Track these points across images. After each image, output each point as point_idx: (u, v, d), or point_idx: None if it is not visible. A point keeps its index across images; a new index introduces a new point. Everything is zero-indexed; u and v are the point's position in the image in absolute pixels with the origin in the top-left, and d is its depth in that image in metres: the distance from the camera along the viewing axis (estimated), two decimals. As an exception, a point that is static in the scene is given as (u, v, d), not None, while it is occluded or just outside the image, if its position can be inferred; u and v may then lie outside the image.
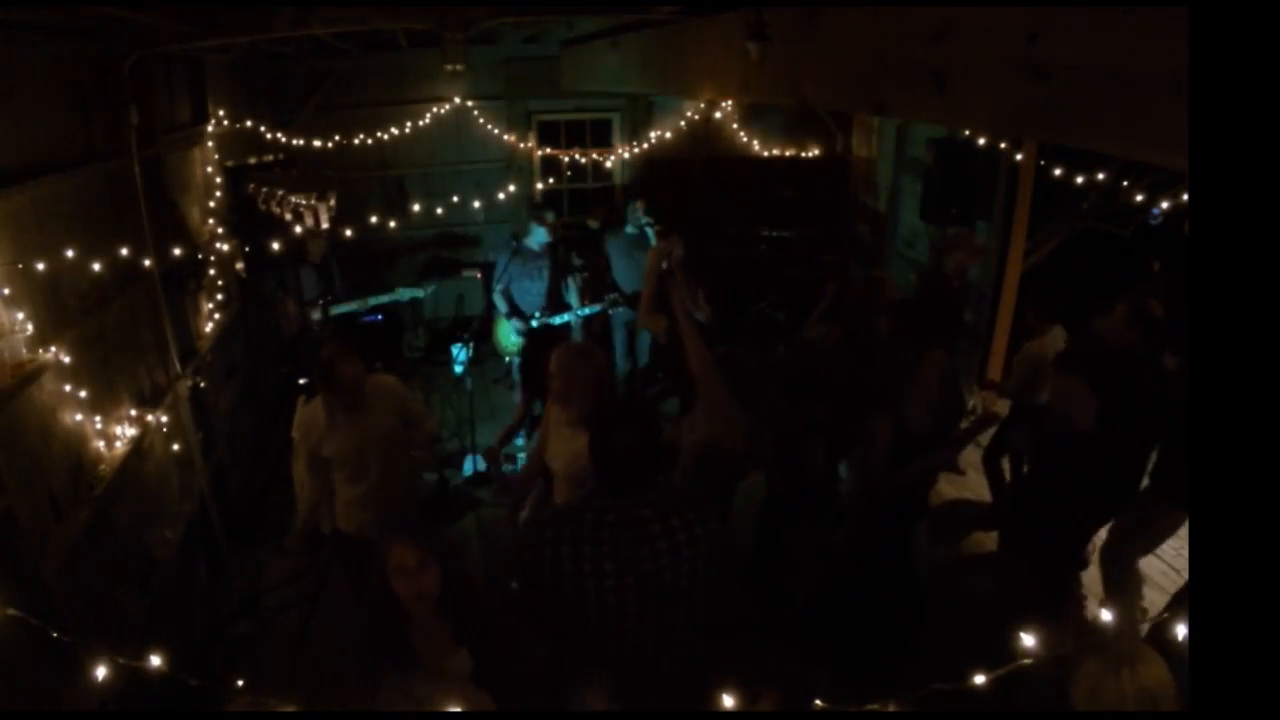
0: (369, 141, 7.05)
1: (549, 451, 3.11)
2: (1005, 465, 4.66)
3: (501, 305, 5.63)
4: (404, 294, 5.79)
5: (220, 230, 4.90)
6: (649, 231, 5.80)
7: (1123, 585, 3.62)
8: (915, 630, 2.93)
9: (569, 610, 2.11)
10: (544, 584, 2.11)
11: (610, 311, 5.84)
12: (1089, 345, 3.81)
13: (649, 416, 2.19)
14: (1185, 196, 5.17)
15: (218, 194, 5.13)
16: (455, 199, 5.60)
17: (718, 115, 8.11)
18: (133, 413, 3.37)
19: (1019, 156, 5.75)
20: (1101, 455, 2.87)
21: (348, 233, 5.10)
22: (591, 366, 2.98)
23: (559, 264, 5.73)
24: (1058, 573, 2.93)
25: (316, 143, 6.61)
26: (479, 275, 7.55)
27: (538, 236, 5.54)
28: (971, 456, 5.13)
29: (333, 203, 4.47)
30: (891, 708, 1.53)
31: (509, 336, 5.69)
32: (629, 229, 5.97)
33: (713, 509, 2.28)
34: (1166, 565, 4.14)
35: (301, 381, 4.81)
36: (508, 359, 6.01)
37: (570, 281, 5.75)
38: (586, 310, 5.58)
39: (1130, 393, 3.07)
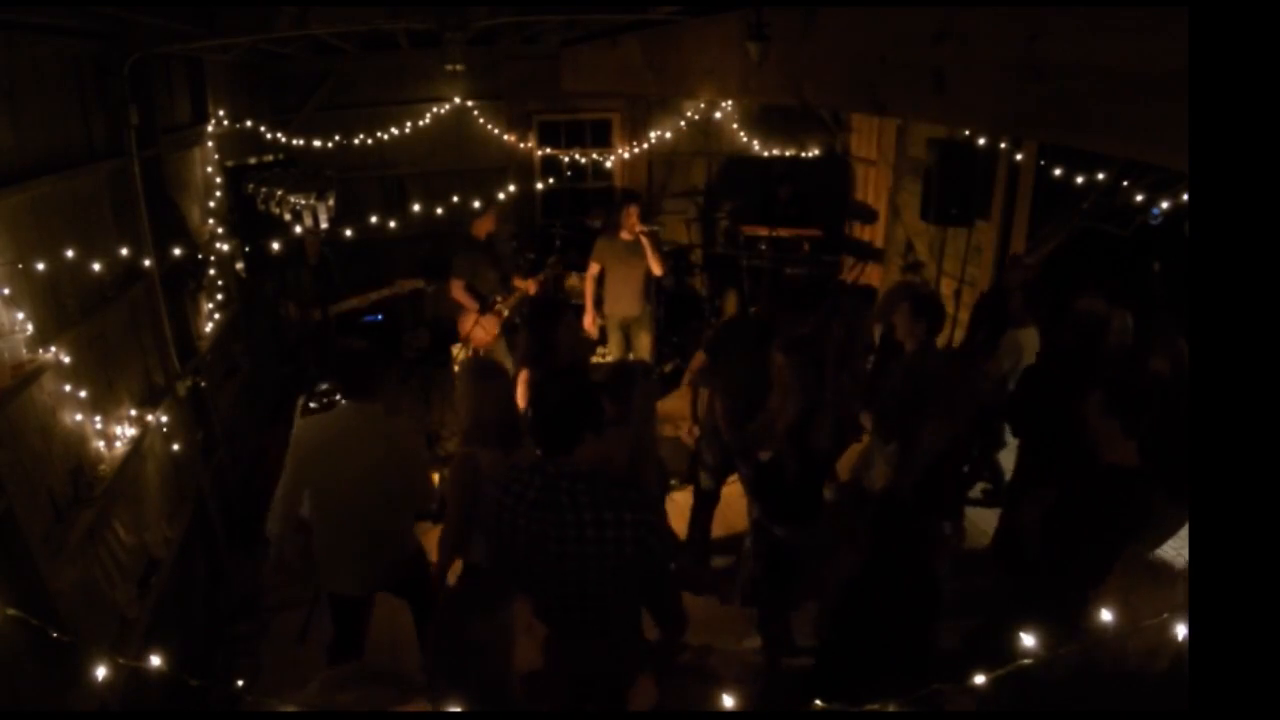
0: (369, 141, 7.04)
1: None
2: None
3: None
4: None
5: (220, 230, 4.90)
6: (645, 240, 5.80)
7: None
8: (933, 627, 2.89)
9: (514, 566, 2.27)
10: (491, 528, 2.29)
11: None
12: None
13: (582, 380, 2.33)
14: (1185, 196, 5.17)
15: (218, 194, 5.13)
16: (455, 199, 5.61)
17: (718, 115, 8.11)
18: (133, 413, 3.37)
19: (1019, 156, 5.75)
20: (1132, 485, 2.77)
21: (347, 233, 5.10)
22: (496, 387, 2.83)
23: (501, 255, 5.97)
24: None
25: (316, 143, 6.61)
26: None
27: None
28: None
29: (332, 203, 4.46)
30: (891, 708, 1.53)
31: None
32: (623, 235, 5.92)
33: (655, 507, 2.36)
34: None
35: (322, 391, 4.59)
36: None
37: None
38: None
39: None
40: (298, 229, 4.22)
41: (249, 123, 5.97)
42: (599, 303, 6.19)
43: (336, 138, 6.78)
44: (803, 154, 8.30)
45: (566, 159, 8.39)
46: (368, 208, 5.75)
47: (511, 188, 5.89)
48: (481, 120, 7.62)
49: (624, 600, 2.27)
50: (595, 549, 2.14)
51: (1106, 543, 2.70)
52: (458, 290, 5.67)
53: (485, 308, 5.58)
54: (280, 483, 3.04)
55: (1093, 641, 1.70)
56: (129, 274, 3.51)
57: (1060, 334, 3.87)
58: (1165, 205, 5.45)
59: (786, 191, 7.78)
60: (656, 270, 5.88)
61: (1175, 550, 4.10)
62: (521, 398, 3.60)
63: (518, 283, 5.93)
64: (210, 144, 5.20)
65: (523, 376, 3.76)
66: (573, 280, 6.96)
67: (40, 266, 2.68)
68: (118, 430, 3.19)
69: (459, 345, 5.75)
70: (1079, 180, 5.43)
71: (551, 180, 8.40)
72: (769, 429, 3.30)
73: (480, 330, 5.57)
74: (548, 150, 8.19)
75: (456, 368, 2.83)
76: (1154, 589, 1.89)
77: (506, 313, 5.73)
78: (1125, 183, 5.59)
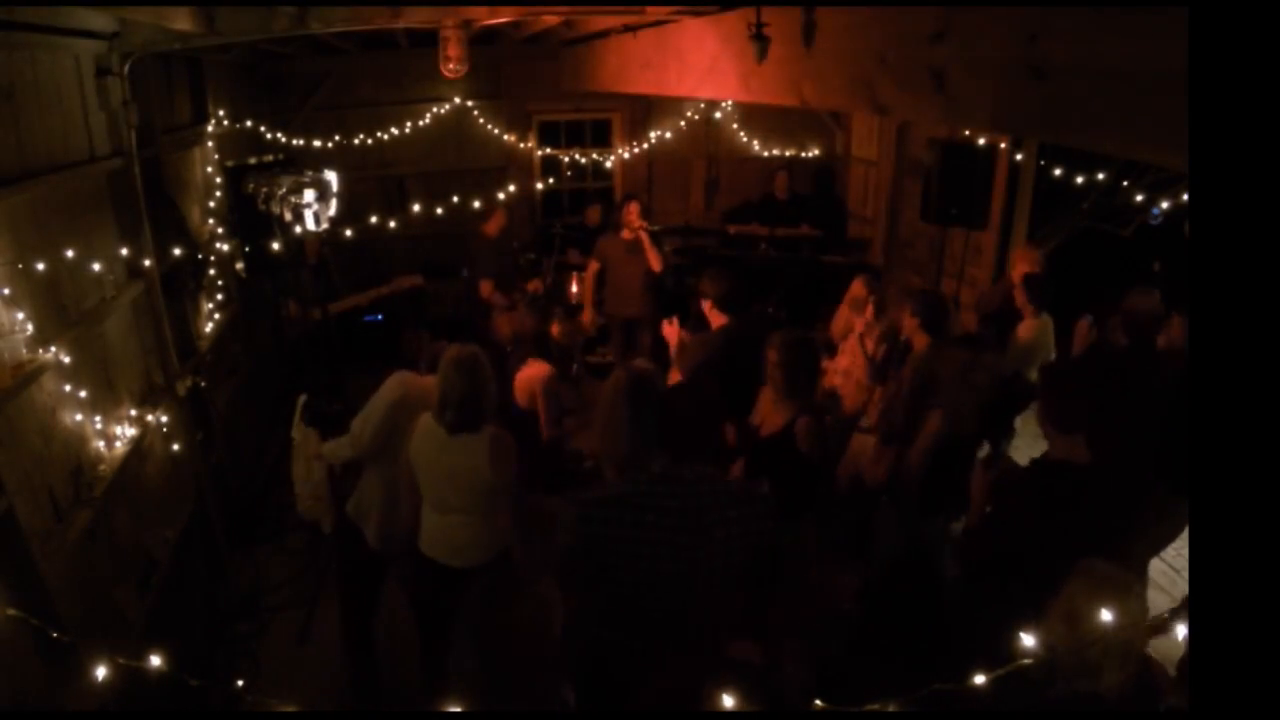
0: (369, 141, 7.04)
1: (415, 461, 3.00)
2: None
3: None
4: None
5: (220, 230, 4.90)
6: (644, 236, 5.78)
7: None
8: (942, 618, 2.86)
9: (610, 587, 2.19)
10: (589, 563, 2.18)
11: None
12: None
13: (713, 389, 2.34)
14: (1185, 196, 5.17)
15: (218, 194, 5.13)
16: (455, 199, 5.61)
17: (718, 115, 8.11)
18: (133, 412, 3.37)
19: (1019, 156, 5.75)
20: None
21: (348, 233, 5.09)
22: (482, 375, 2.93)
23: None
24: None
25: (316, 143, 6.61)
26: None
27: None
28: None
29: (332, 203, 4.46)
30: (892, 708, 1.53)
31: None
32: (624, 233, 5.90)
33: (769, 504, 2.32)
34: (1166, 565, 4.13)
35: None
36: None
37: None
38: None
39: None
40: (298, 229, 4.22)
41: (249, 123, 5.97)
42: (599, 302, 6.19)
43: (336, 138, 6.79)
44: (802, 154, 8.30)
45: (566, 159, 8.39)
46: (368, 208, 5.76)
47: (511, 188, 5.89)
48: (481, 120, 7.62)
49: (733, 598, 2.28)
50: (739, 544, 2.17)
51: (1050, 545, 2.44)
52: (487, 289, 5.70)
53: (512, 305, 5.60)
54: (362, 415, 3.26)
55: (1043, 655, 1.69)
56: (129, 274, 3.51)
57: (1112, 335, 3.88)
58: (1165, 205, 5.45)
59: (783, 180, 7.75)
60: (655, 266, 5.84)
61: (1176, 550, 4.11)
62: (521, 391, 3.90)
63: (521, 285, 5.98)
64: (210, 144, 5.19)
65: (530, 371, 3.93)
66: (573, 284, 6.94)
67: (40, 266, 2.68)
68: (118, 430, 3.19)
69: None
70: (1079, 180, 5.43)
71: (551, 180, 8.40)
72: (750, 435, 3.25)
73: (506, 326, 5.62)
74: (548, 150, 8.19)
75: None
76: (1106, 600, 1.82)
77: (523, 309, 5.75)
78: (1125, 183, 5.59)
